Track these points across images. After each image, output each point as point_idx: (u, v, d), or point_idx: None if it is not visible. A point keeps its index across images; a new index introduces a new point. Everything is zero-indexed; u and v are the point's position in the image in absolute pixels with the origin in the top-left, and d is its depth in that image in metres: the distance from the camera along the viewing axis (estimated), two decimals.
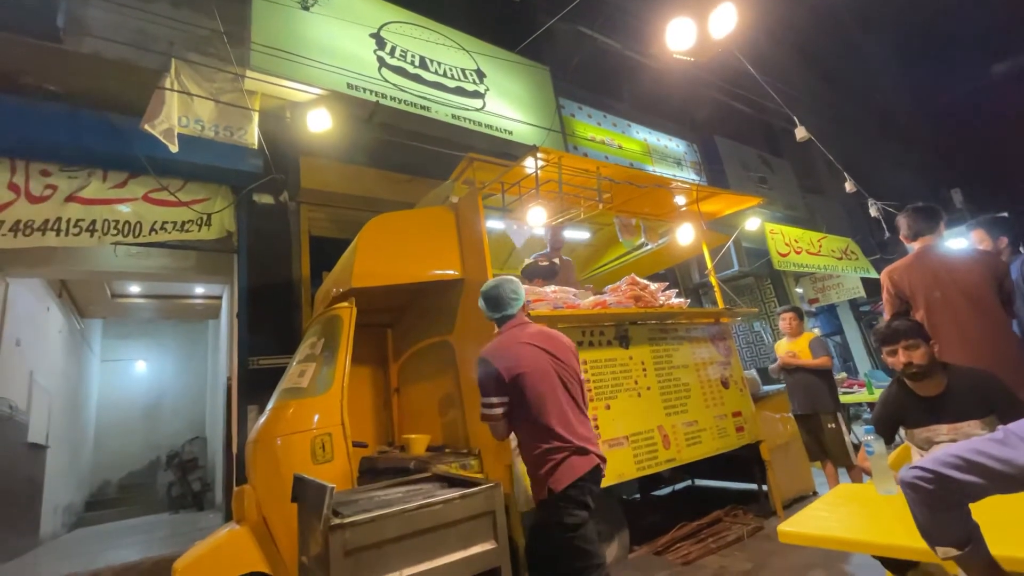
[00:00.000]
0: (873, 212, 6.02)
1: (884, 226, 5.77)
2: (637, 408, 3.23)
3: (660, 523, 3.63)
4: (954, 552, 1.03)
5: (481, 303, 2.37)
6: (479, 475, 2.74)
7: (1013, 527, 1.35)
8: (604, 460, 2.16)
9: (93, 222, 3.78)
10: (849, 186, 5.72)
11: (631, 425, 3.15)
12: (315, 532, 1.75)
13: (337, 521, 1.63)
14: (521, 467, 2.56)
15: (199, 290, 6.85)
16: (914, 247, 2.69)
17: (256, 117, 3.99)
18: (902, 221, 2.74)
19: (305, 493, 1.96)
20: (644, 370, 3.39)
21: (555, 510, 2.00)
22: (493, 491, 1.91)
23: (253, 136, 3.96)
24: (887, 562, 1.73)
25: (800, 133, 4.86)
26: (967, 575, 1.04)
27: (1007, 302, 2.41)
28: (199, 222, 4.09)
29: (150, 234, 3.95)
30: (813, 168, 10.83)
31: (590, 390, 3.04)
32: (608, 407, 3.09)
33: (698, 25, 3.07)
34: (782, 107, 5.32)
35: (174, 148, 3.53)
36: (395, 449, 3.34)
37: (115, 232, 3.83)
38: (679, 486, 5.03)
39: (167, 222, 4.01)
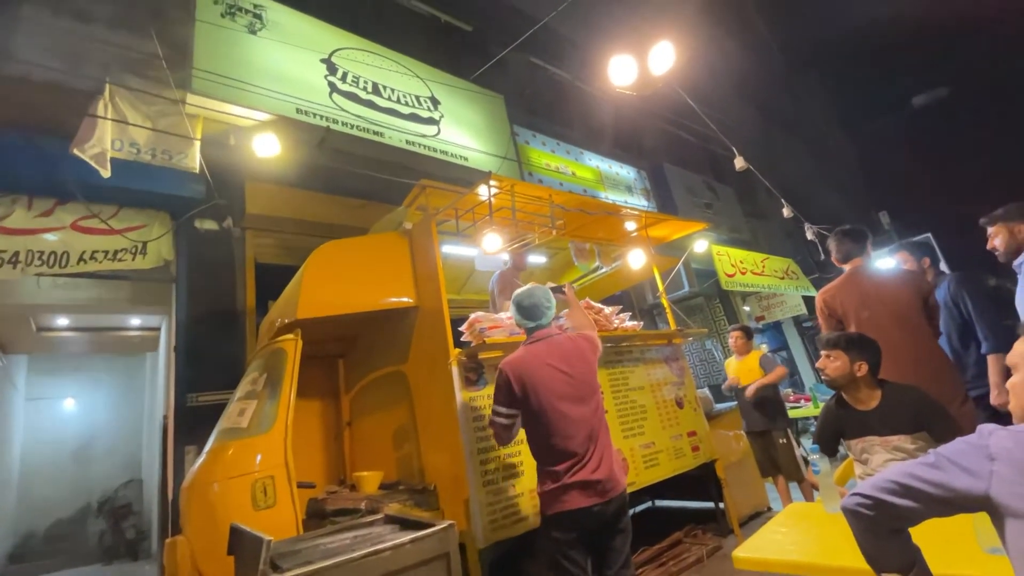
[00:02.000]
0: (809, 235, 6.36)
1: (820, 248, 6.10)
2: None
3: None
4: None
5: (514, 312, 2.31)
6: (435, 512, 2.62)
7: (951, 545, 1.39)
8: (614, 492, 2.11)
9: (16, 253, 3.49)
10: (787, 211, 6.03)
11: None
12: None
13: None
14: (480, 500, 2.47)
15: (135, 321, 6.38)
16: (845, 268, 2.83)
17: (197, 142, 3.82)
18: (832, 244, 2.88)
19: (241, 545, 1.80)
20: (601, 393, 3.38)
21: (544, 528, 2.11)
22: (446, 532, 1.81)
23: (195, 161, 3.77)
24: None
25: (739, 163, 5.10)
26: None
27: (932, 318, 2.55)
28: (133, 250, 3.83)
29: (78, 264, 3.67)
30: (754, 193, 11.42)
31: None
32: None
33: (639, 61, 3.19)
34: (722, 137, 5.59)
35: (106, 173, 3.31)
36: (346, 488, 3.16)
37: (39, 263, 3.54)
38: (639, 508, 5.01)
39: (97, 251, 3.74)
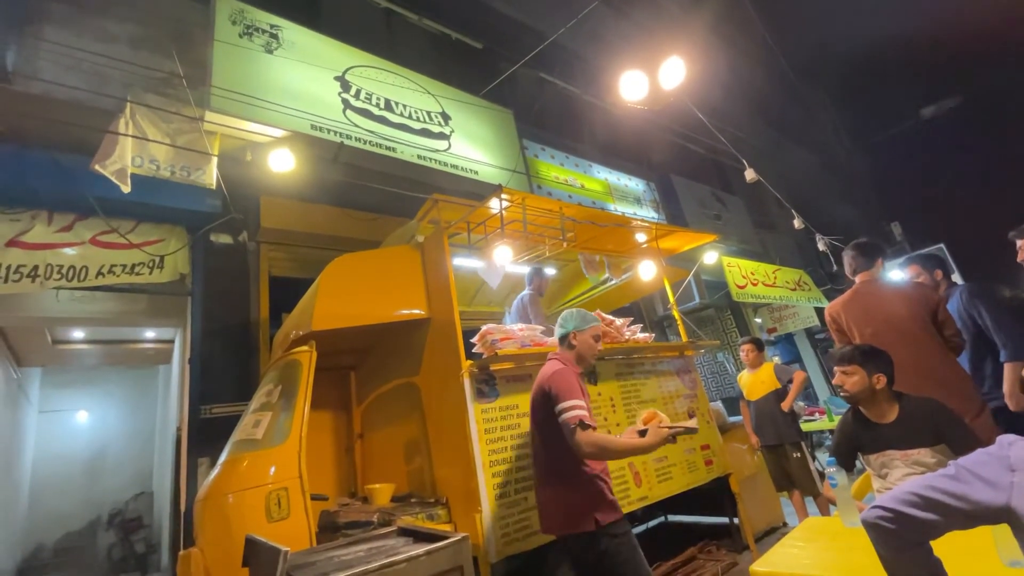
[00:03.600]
0: (821, 246, 6.35)
1: (832, 259, 6.08)
2: None
3: None
4: None
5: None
6: (447, 525, 2.62)
7: (972, 558, 1.37)
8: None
9: (36, 267, 3.57)
10: (797, 223, 6.03)
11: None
12: None
13: None
14: (493, 513, 2.47)
15: (149, 334, 6.49)
16: (855, 281, 2.83)
17: (215, 158, 3.92)
18: (845, 258, 2.90)
19: (257, 557, 1.82)
20: (613, 406, 3.37)
21: (619, 528, 2.07)
22: (460, 544, 1.81)
23: (211, 177, 3.86)
24: None
25: (749, 175, 5.12)
26: None
27: (943, 331, 2.52)
28: (151, 264, 3.92)
29: (97, 278, 3.75)
30: (764, 204, 11.40)
31: None
32: None
33: (649, 77, 3.24)
34: (731, 149, 5.62)
35: (126, 189, 3.40)
36: (358, 500, 3.17)
37: (58, 276, 3.62)
38: (652, 523, 4.95)
39: (115, 265, 3.82)
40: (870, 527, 1.07)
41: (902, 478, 1.99)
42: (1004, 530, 1.02)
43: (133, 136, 3.56)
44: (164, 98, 3.94)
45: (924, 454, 1.97)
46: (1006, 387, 2.46)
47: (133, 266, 3.88)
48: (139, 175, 3.57)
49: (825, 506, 4.13)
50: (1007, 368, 2.48)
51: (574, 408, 2.02)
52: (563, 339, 2.35)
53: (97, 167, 3.34)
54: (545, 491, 2.19)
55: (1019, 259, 2.45)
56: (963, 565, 1.33)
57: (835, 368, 2.17)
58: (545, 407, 2.13)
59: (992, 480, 0.96)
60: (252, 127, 4.02)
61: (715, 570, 3.40)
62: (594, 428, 2.04)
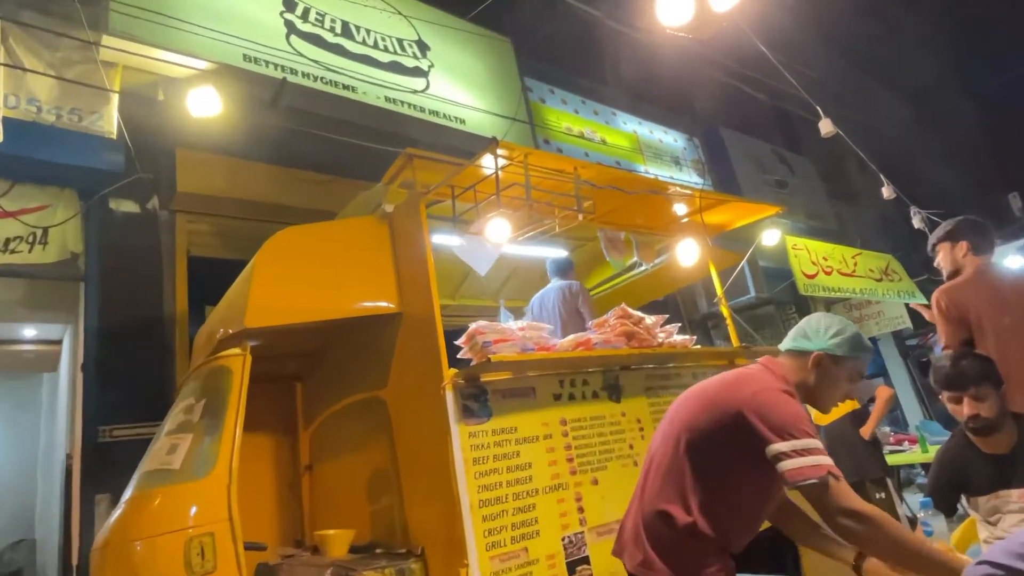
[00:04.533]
0: (917, 223, 6.36)
1: (930, 238, 6.10)
2: (632, 481, 3.20)
3: None
4: None
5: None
6: None
7: None
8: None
9: None
10: (887, 191, 6.04)
11: (626, 505, 3.12)
12: None
13: None
14: (483, 569, 2.49)
15: (29, 332, 6.45)
16: (965, 268, 2.85)
17: (116, 97, 3.88)
18: (954, 233, 2.91)
19: None
20: (641, 429, 3.39)
21: None
22: None
23: (111, 122, 3.84)
24: None
25: (825, 127, 5.11)
26: None
27: None
28: (31, 239, 3.89)
29: None
30: (842, 168, 11.41)
31: (571, 459, 3.01)
32: (595, 481, 3.05)
33: None
34: (802, 93, 5.60)
35: None
36: (306, 551, 3.19)
37: None
38: None
39: None
40: None
41: (1019, 524, 2.01)
42: None
43: (5, 65, 3.52)
44: (46, 17, 3.89)
45: None
46: None
47: (7, 241, 3.85)
48: (14, 119, 3.54)
49: None
50: None
51: (815, 453, 1.69)
52: (803, 352, 1.98)
53: None
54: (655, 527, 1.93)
55: None
56: None
57: (955, 393, 2.12)
58: (730, 432, 1.80)
59: None
60: (164, 56, 3.98)
61: None
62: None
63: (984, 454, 2.13)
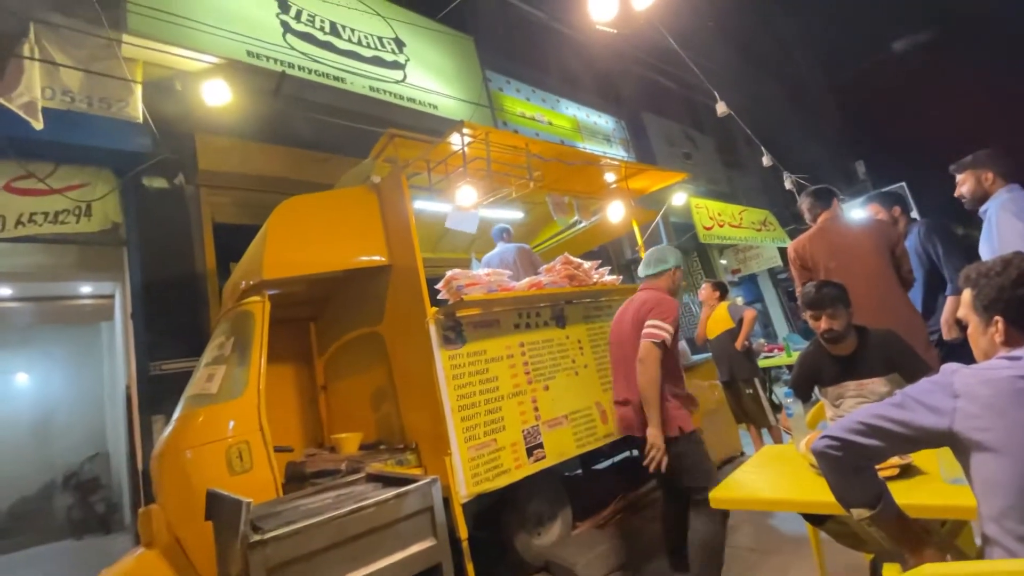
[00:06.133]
0: (788, 184, 6.46)
1: (797, 197, 6.22)
2: (575, 386, 3.29)
3: (602, 497, 3.76)
4: (867, 512, 1.11)
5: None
6: (417, 470, 2.69)
7: (915, 478, 1.50)
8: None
9: None
10: (766, 160, 6.08)
11: (570, 404, 3.20)
12: (233, 551, 1.62)
13: (256, 538, 1.52)
14: (463, 455, 2.54)
15: (85, 289, 6.12)
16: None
17: (139, 88, 3.57)
18: (803, 207, 2.98)
19: (220, 509, 1.82)
20: (581, 348, 3.45)
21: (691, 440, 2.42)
22: (429, 487, 1.86)
23: (136, 108, 3.54)
24: (807, 516, 1.88)
25: (720, 108, 5.06)
26: (880, 530, 1.13)
27: (900, 267, 2.66)
28: (76, 212, 3.64)
29: (16, 228, 3.48)
30: (733, 143, 11.44)
31: (528, 372, 3.06)
32: (547, 388, 3.12)
33: None
34: (703, 82, 5.52)
35: (38, 125, 3.09)
36: (324, 451, 3.20)
37: None
38: (618, 458, 5.23)
39: (36, 213, 3.54)
40: (819, 455, 1.14)
41: (854, 407, 2.12)
42: (947, 452, 1.10)
43: (40, 60, 3.19)
44: (73, 19, 3.50)
45: (878, 383, 2.11)
46: (944, 316, 2.65)
47: (56, 214, 3.60)
48: (53, 109, 3.25)
49: (778, 436, 4.45)
50: (948, 301, 2.66)
51: (663, 330, 2.32)
52: (661, 273, 2.61)
53: (3, 100, 3.01)
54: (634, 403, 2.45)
55: (956, 194, 2.54)
56: (906, 484, 1.46)
57: (816, 311, 2.16)
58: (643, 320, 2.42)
59: (936, 407, 1.02)
60: (178, 52, 3.67)
61: None
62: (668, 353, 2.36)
63: (832, 356, 2.22)
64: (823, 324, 2.16)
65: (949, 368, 1.08)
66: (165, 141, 3.79)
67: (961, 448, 1.02)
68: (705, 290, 4.81)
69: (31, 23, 3.28)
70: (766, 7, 15.65)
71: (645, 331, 2.33)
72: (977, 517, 1.02)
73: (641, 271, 2.71)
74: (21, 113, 3.05)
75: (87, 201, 3.67)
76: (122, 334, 4.81)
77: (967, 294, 1.14)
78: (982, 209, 2.43)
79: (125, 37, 3.47)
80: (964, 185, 2.48)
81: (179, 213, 3.99)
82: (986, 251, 2.36)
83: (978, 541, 1.07)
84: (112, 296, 6.17)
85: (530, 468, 2.80)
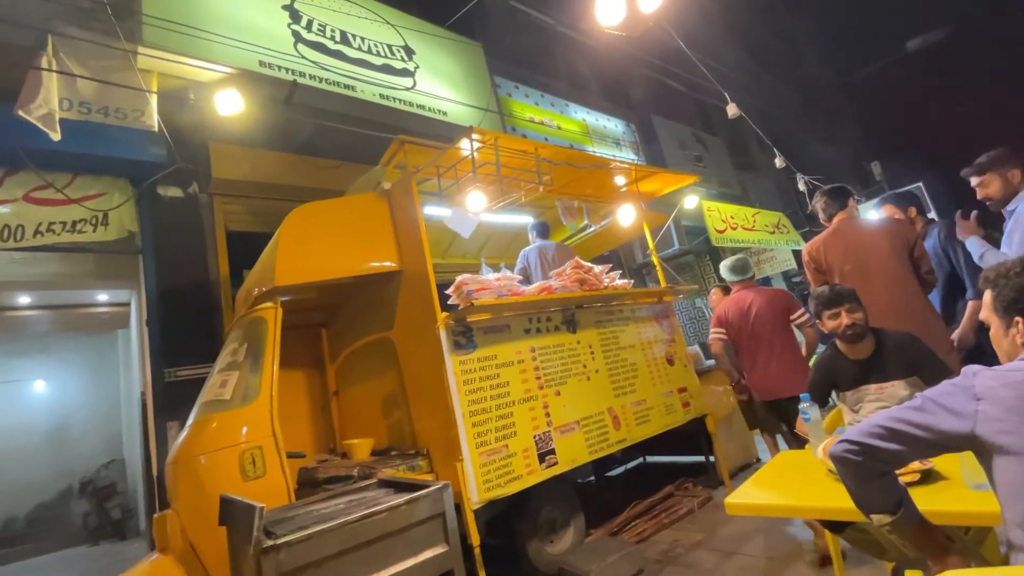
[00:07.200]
0: (801, 186, 6.41)
1: (811, 200, 6.16)
2: (586, 392, 3.28)
3: (615, 503, 3.74)
4: (887, 519, 1.09)
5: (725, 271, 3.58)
6: (428, 475, 2.69)
7: (938, 483, 1.47)
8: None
9: None
10: (779, 162, 6.03)
11: (581, 409, 3.19)
12: (246, 556, 1.64)
13: (269, 543, 1.53)
14: (474, 461, 2.54)
15: (102, 297, 6.25)
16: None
17: (154, 98, 3.64)
18: (817, 207, 2.94)
19: (233, 515, 1.84)
20: (592, 353, 3.44)
21: None
22: (441, 493, 1.86)
23: (152, 118, 3.60)
24: (826, 522, 1.85)
25: (731, 110, 5.05)
26: (901, 536, 1.11)
27: (919, 268, 2.61)
28: (94, 221, 3.71)
29: (35, 237, 3.56)
30: (745, 145, 11.36)
31: (539, 377, 3.05)
32: (558, 393, 3.11)
33: None
34: (714, 84, 5.50)
35: (56, 136, 3.16)
36: (337, 456, 3.22)
37: None
38: (631, 464, 5.20)
39: (54, 223, 3.62)
40: (837, 460, 1.12)
41: (873, 411, 2.09)
42: (969, 456, 1.08)
43: (58, 72, 3.26)
44: (90, 32, 3.59)
45: (898, 386, 2.07)
46: (964, 322, 2.60)
47: (74, 223, 3.67)
48: (70, 120, 3.32)
49: (792, 441, 4.38)
50: (969, 305, 2.60)
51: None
52: (753, 276, 3.58)
53: (21, 112, 3.08)
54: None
55: (980, 196, 2.49)
56: (928, 490, 1.43)
57: (834, 310, 2.13)
58: (788, 309, 3.36)
59: (957, 410, 1.00)
60: (192, 62, 3.73)
61: (691, 505, 3.62)
62: None
63: (849, 359, 2.19)
64: (844, 319, 2.11)
65: (970, 370, 1.06)
66: (179, 151, 3.85)
67: (984, 452, 0.99)
68: (716, 294, 4.77)
69: (49, 36, 3.36)
70: (779, 8, 15.57)
71: (804, 319, 3.31)
72: (1001, 523, 1.00)
73: (734, 276, 3.54)
74: (40, 125, 3.11)
75: (104, 210, 3.74)
76: (137, 341, 4.89)
77: (987, 295, 1.12)
78: (1008, 208, 2.37)
79: (140, 49, 3.53)
80: (990, 187, 2.41)
81: (193, 221, 4.05)
82: (1019, 246, 2.30)
83: (1003, 548, 1.04)
84: (128, 304, 6.29)
85: (542, 474, 2.80)
